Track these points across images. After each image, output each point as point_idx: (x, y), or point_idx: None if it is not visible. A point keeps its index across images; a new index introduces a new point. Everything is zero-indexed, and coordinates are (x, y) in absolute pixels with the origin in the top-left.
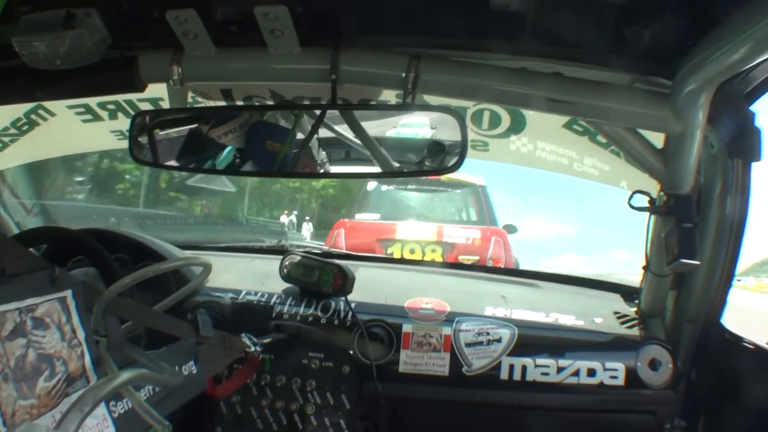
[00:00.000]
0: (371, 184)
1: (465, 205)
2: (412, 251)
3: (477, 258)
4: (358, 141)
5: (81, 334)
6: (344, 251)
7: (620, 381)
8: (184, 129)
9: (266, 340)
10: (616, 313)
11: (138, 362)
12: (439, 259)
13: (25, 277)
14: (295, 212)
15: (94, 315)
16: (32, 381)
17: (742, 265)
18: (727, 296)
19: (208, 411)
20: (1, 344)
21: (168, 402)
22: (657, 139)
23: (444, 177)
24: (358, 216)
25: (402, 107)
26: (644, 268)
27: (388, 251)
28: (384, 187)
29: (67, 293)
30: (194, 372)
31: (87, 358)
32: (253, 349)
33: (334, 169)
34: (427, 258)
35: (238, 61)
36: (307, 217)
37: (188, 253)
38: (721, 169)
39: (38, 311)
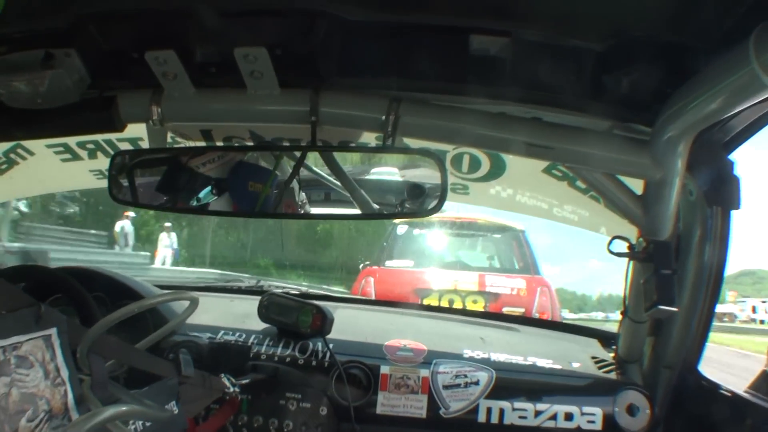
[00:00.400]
0: (401, 228)
1: (506, 252)
2: (451, 302)
3: (523, 310)
4: (338, 182)
5: (65, 373)
6: (322, 293)
7: (598, 426)
8: (164, 168)
9: (245, 381)
10: (593, 357)
11: (121, 401)
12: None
13: (9, 314)
14: (132, 215)
15: (79, 353)
16: (14, 420)
17: None
18: (705, 343)
19: None
20: None
21: None
22: (636, 185)
23: (482, 220)
24: (389, 263)
25: (382, 150)
26: (622, 313)
27: (425, 302)
28: (416, 231)
29: (52, 331)
30: (175, 412)
31: (70, 397)
32: (231, 389)
33: (314, 210)
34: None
35: (217, 101)
36: (168, 224)
37: (165, 292)
38: (700, 216)
39: (22, 349)
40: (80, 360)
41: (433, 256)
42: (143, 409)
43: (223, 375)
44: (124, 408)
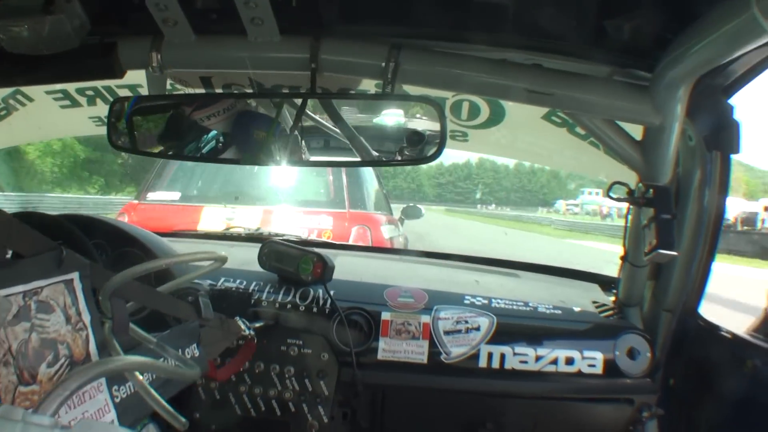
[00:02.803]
0: None
1: (316, 178)
2: None
3: None
4: (337, 130)
5: (86, 317)
6: (322, 240)
7: (598, 369)
8: (163, 116)
9: (258, 324)
10: (594, 302)
11: (142, 346)
12: None
13: (30, 259)
14: None
15: (101, 297)
16: (34, 366)
17: None
18: (705, 286)
19: (186, 396)
20: (3, 329)
21: (170, 386)
22: (635, 130)
23: None
24: (152, 196)
25: (381, 97)
26: (622, 258)
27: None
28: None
29: (74, 275)
30: (196, 355)
31: (92, 342)
32: (247, 332)
33: (314, 157)
34: None
35: (217, 48)
36: None
37: (166, 240)
38: (699, 161)
39: (43, 294)
40: (102, 304)
41: (211, 186)
42: (159, 363)
43: (238, 318)
44: (139, 359)
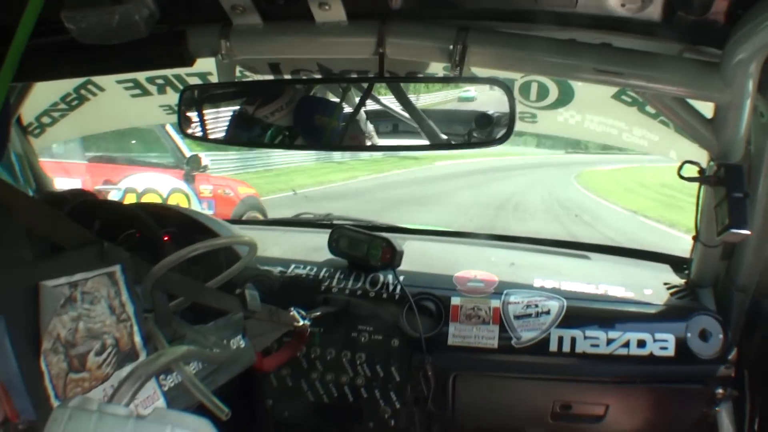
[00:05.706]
0: None
1: None
2: None
3: None
4: (405, 113)
5: (130, 309)
6: (392, 224)
7: (671, 352)
8: (233, 103)
9: (316, 314)
10: (665, 283)
11: (186, 337)
12: None
13: (73, 251)
14: None
15: (143, 290)
16: (83, 355)
17: None
18: None
19: (258, 384)
20: (51, 318)
21: (217, 376)
22: (706, 108)
23: None
24: None
25: (449, 80)
26: (694, 238)
27: None
28: None
29: (116, 268)
30: (242, 346)
31: (136, 332)
32: (301, 323)
33: (382, 141)
34: None
35: (285, 34)
36: None
37: (236, 228)
38: None
39: (87, 285)
40: (144, 296)
41: None
42: (206, 351)
43: (292, 308)
44: (188, 349)
